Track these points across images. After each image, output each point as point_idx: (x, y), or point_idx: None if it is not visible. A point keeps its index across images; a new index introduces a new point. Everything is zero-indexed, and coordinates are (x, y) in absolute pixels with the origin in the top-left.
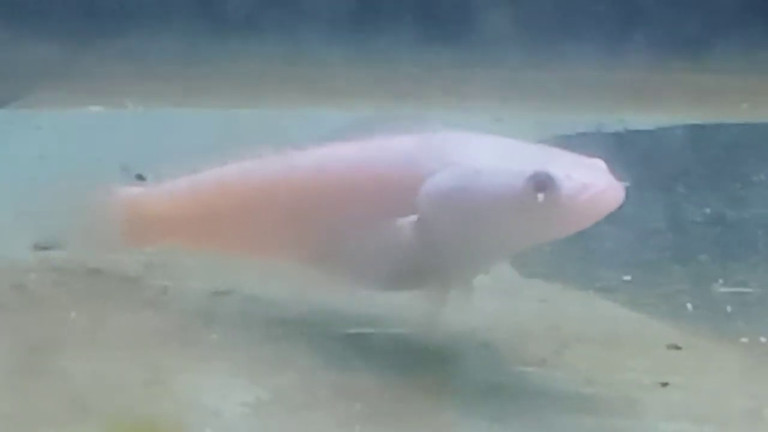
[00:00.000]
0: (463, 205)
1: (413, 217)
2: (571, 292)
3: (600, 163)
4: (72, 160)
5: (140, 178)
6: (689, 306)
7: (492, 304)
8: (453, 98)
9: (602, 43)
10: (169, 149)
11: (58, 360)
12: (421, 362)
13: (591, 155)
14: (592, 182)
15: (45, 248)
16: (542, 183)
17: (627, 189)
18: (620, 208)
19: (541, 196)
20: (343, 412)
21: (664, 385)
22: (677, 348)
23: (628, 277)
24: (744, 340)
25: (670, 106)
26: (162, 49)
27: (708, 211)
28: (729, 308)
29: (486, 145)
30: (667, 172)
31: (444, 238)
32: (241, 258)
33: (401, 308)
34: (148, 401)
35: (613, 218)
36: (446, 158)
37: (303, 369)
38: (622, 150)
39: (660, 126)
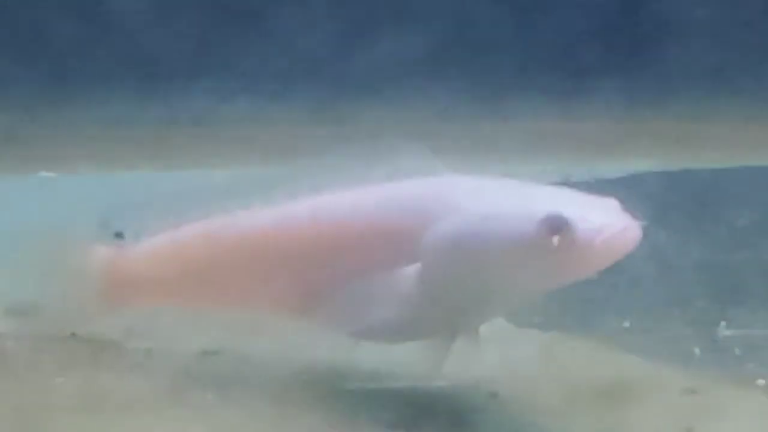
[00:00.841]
0: (471, 252)
1: (416, 266)
2: (571, 341)
3: (613, 203)
4: (30, 224)
5: (119, 236)
6: (696, 350)
7: (491, 354)
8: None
9: (562, 93)
10: (141, 209)
11: (53, 427)
12: (430, 416)
13: (603, 195)
14: (608, 223)
15: (19, 314)
16: (556, 226)
17: (643, 228)
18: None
19: (555, 240)
20: None
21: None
22: (693, 392)
23: (627, 324)
24: (761, 381)
25: (635, 154)
26: (105, 114)
27: (695, 256)
28: (737, 351)
29: (491, 189)
30: (646, 220)
31: (450, 287)
32: (229, 314)
33: (403, 361)
34: None
35: None
36: (450, 203)
37: (308, 428)
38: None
39: (629, 173)
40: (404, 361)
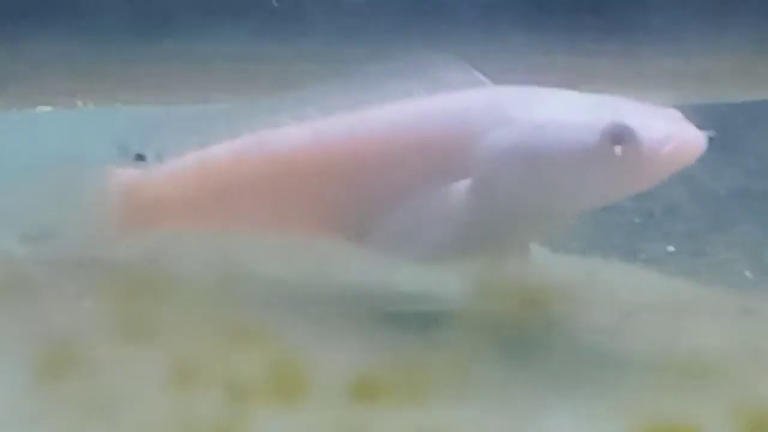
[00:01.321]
0: (527, 164)
1: (467, 181)
2: (615, 265)
3: (676, 113)
4: (41, 157)
5: (140, 158)
6: (748, 273)
7: (534, 278)
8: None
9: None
10: (159, 126)
11: (91, 352)
12: (481, 336)
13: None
14: (673, 132)
15: (35, 239)
16: (620, 135)
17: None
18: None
19: (618, 150)
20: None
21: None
22: (752, 313)
23: (671, 248)
24: None
25: (648, 89)
26: (98, 49)
27: (729, 183)
28: None
29: (544, 98)
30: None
31: (505, 203)
32: (259, 236)
33: (446, 282)
34: None
35: None
36: (500, 115)
37: (348, 354)
38: None
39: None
40: (448, 282)
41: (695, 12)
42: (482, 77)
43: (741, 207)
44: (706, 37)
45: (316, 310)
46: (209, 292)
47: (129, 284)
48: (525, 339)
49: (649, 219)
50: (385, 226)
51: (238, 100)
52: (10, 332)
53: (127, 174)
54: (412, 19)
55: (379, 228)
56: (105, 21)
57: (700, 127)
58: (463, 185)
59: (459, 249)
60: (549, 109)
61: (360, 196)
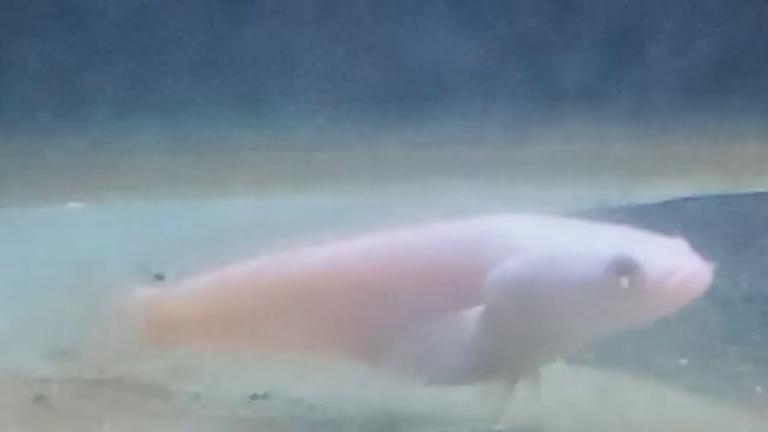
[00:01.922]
0: (536, 294)
1: (479, 308)
2: (627, 380)
3: (681, 243)
4: (66, 261)
5: (159, 278)
6: (758, 389)
7: (547, 396)
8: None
9: (592, 114)
10: (178, 245)
11: None
12: None
13: (670, 234)
14: (678, 265)
15: (61, 356)
16: (625, 268)
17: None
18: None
19: (624, 282)
20: None
21: None
22: None
23: (684, 361)
24: None
25: (669, 178)
26: (131, 141)
27: (745, 287)
28: None
29: (554, 228)
30: (691, 247)
31: (515, 329)
32: (275, 357)
33: (461, 404)
34: None
35: None
36: (512, 243)
37: None
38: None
39: (667, 198)
40: (462, 405)
41: (712, 92)
42: (494, 202)
43: (756, 312)
44: (726, 121)
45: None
46: (225, 414)
47: (147, 406)
48: None
49: (664, 326)
50: (399, 350)
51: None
52: None
53: (147, 293)
54: None
55: (393, 352)
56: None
57: (704, 256)
58: (474, 312)
59: (470, 373)
60: (557, 239)
61: (374, 320)
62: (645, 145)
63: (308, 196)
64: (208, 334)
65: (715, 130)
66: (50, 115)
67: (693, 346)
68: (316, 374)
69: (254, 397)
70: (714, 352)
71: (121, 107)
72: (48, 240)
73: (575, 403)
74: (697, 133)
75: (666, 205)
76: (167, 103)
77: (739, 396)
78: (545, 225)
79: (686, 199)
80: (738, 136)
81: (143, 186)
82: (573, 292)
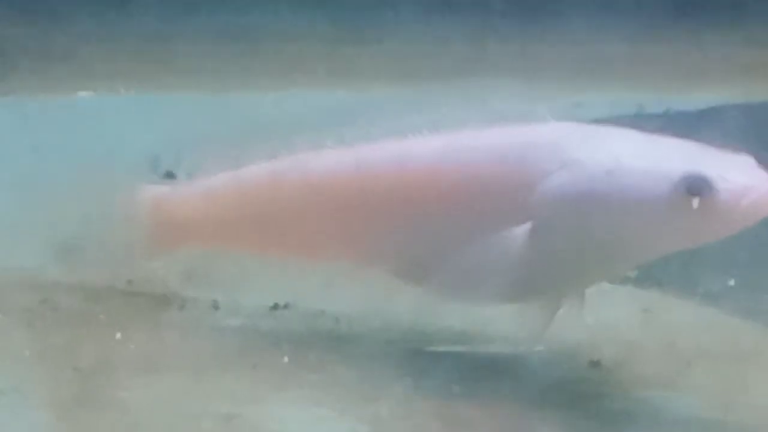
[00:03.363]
0: (594, 212)
1: (527, 226)
2: (672, 299)
3: (749, 160)
4: (74, 154)
5: (170, 175)
6: None
7: (589, 315)
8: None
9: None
10: (192, 140)
11: (114, 388)
12: (528, 386)
13: (740, 150)
14: (750, 184)
15: (68, 256)
16: (696, 186)
17: None
18: None
19: (695, 202)
20: None
21: None
22: None
23: (731, 282)
24: None
25: (712, 83)
26: (147, 30)
27: None
28: None
29: (611, 140)
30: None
31: (566, 250)
32: (297, 264)
33: (496, 322)
34: None
35: None
36: (564, 155)
37: (397, 396)
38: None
39: (708, 106)
40: (500, 322)
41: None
42: (544, 110)
43: None
44: None
45: (358, 349)
46: (244, 324)
47: (162, 312)
48: (577, 391)
49: (709, 245)
50: (442, 269)
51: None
52: (43, 362)
53: (157, 190)
54: None
55: (435, 271)
56: None
57: None
58: (522, 230)
59: (515, 294)
60: (617, 152)
61: (407, 233)
62: (685, 48)
63: (335, 93)
64: (221, 237)
65: (761, 34)
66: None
67: (741, 266)
68: (341, 285)
69: (275, 307)
70: (763, 273)
71: None
72: (56, 131)
73: (618, 325)
74: (742, 36)
75: (707, 112)
76: None
77: None
78: (601, 136)
79: (728, 107)
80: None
81: (158, 75)
82: (636, 211)
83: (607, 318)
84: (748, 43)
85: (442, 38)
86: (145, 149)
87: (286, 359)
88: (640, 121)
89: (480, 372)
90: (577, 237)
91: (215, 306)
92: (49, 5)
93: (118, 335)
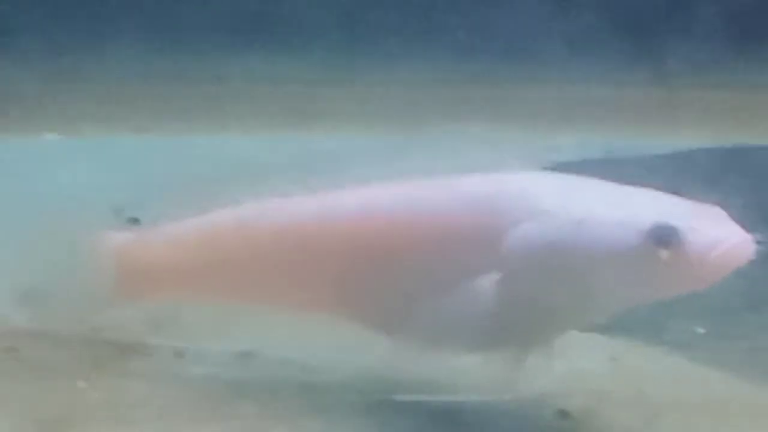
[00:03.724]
0: (563, 263)
1: (496, 276)
2: (640, 348)
3: (719, 211)
4: (38, 199)
5: (134, 221)
6: None
7: (557, 364)
8: (441, 121)
9: (603, 58)
10: (158, 184)
11: None
12: None
13: (706, 201)
14: (722, 236)
15: (33, 304)
16: (665, 238)
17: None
18: None
19: (665, 253)
20: None
21: None
22: None
23: (701, 330)
24: None
25: (683, 127)
26: (115, 70)
27: (765, 249)
28: None
29: (580, 189)
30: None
31: (535, 300)
32: (265, 312)
33: (466, 372)
34: None
35: None
36: (533, 205)
37: None
38: (640, 179)
39: (677, 150)
40: (469, 372)
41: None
42: (513, 159)
43: None
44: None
45: (327, 399)
46: (211, 373)
47: (127, 361)
48: None
49: None
50: (410, 319)
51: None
52: (4, 413)
53: (121, 237)
54: None
55: (403, 320)
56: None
57: (746, 227)
58: (491, 280)
59: (483, 343)
60: (586, 202)
61: (376, 282)
62: (656, 92)
63: (305, 137)
64: (187, 285)
65: (730, 79)
66: (25, 38)
67: (711, 314)
68: (309, 334)
69: (242, 355)
70: (733, 321)
71: (103, 29)
72: (19, 174)
73: (586, 373)
74: (712, 80)
75: (676, 156)
76: (156, 26)
77: (761, 371)
78: (572, 185)
79: (697, 150)
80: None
81: (125, 117)
82: (605, 262)
83: (575, 367)
84: (720, 87)
85: (410, 81)
86: (110, 194)
87: (253, 409)
88: (608, 164)
89: (449, 422)
90: (545, 287)
91: (181, 354)
92: (15, 44)
93: (82, 384)
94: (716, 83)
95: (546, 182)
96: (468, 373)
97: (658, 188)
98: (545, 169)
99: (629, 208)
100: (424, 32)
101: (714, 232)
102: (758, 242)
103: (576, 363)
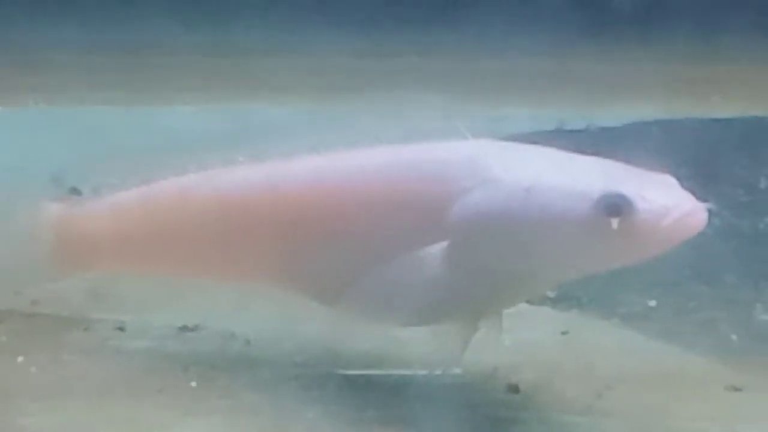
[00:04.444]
0: (511, 231)
1: (443, 244)
2: (591, 321)
3: (671, 180)
4: None
5: (75, 191)
6: (734, 337)
7: (507, 337)
8: (390, 91)
9: (555, 31)
10: (100, 155)
11: (14, 415)
12: (445, 411)
13: (658, 169)
14: (673, 204)
15: None
16: (615, 206)
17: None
18: None
19: (614, 222)
20: None
21: None
22: (737, 389)
23: (653, 303)
24: None
25: (634, 100)
26: (60, 39)
27: (717, 222)
28: None
29: (530, 157)
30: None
31: (483, 269)
32: (207, 285)
33: (412, 344)
34: None
35: None
36: (482, 172)
37: (308, 422)
38: (590, 151)
39: (628, 122)
40: (416, 345)
41: (685, 15)
42: (461, 127)
43: (729, 250)
44: (696, 43)
45: (269, 372)
46: (152, 347)
47: (66, 334)
48: (494, 416)
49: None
50: (355, 290)
51: (204, 103)
52: None
53: (59, 208)
54: None
55: (348, 291)
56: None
57: (696, 195)
58: (437, 248)
59: (431, 315)
60: (535, 170)
61: (321, 252)
62: (608, 64)
63: (248, 107)
64: (129, 256)
65: (683, 51)
66: None
67: (662, 287)
68: (251, 306)
69: (184, 329)
70: (685, 294)
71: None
72: None
73: (536, 347)
74: (665, 52)
75: (628, 127)
76: None
77: (713, 343)
78: (521, 153)
79: (649, 123)
80: (708, 58)
81: (69, 88)
82: (554, 231)
83: (525, 340)
84: (669, 59)
85: (357, 51)
86: (50, 164)
87: (194, 384)
88: (560, 136)
89: (394, 396)
90: (494, 256)
91: (121, 327)
92: None
93: (20, 359)
94: (671, 56)
95: (494, 149)
96: (414, 346)
97: (609, 158)
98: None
99: (579, 176)
100: (373, 3)
101: (665, 200)
102: (709, 211)
103: (526, 336)
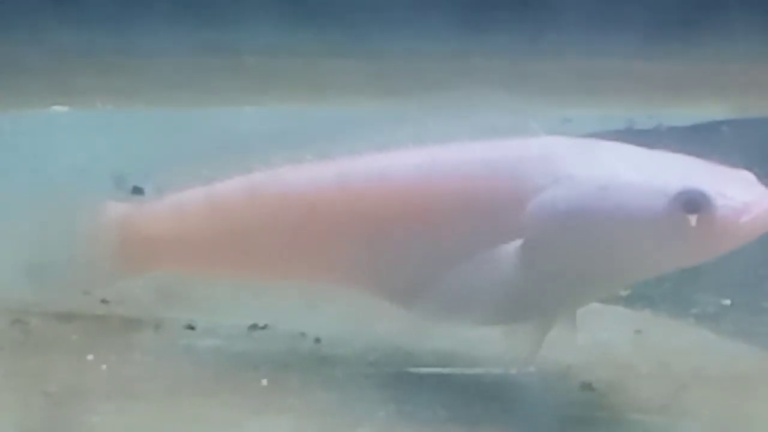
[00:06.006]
0: (587, 229)
1: (518, 243)
2: (665, 320)
3: (748, 176)
4: (44, 171)
5: (137, 191)
6: None
7: (580, 336)
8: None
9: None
10: (165, 155)
11: (85, 414)
12: (518, 410)
13: (735, 165)
14: (751, 200)
15: (38, 277)
16: (693, 202)
17: None
18: None
19: (693, 219)
20: None
21: None
22: None
23: (727, 302)
24: None
25: (703, 99)
26: (127, 43)
27: None
28: None
29: (605, 154)
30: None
31: (558, 268)
32: (276, 284)
33: (486, 344)
34: None
35: None
36: (556, 170)
37: (379, 421)
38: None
39: (698, 122)
40: (489, 344)
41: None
42: (534, 124)
43: None
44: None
45: (340, 371)
46: (221, 346)
47: (136, 334)
48: (568, 415)
49: (706, 263)
50: (429, 289)
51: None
52: (12, 386)
53: (123, 207)
54: None
55: (422, 291)
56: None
57: None
58: (512, 247)
59: (505, 314)
60: (611, 167)
61: (392, 252)
62: (677, 64)
63: (317, 106)
64: (195, 256)
65: (750, 51)
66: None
67: (737, 285)
68: (322, 305)
69: (253, 327)
70: (760, 293)
71: (117, 3)
72: (27, 146)
73: (610, 347)
74: (735, 51)
75: (698, 127)
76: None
77: None
78: (596, 150)
79: (719, 122)
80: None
81: (135, 90)
82: (631, 228)
83: (598, 339)
84: (741, 59)
85: (429, 51)
86: (115, 165)
87: (264, 382)
88: (630, 136)
89: (467, 395)
90: (569, 255)
91: (191, 326)
92: (26, 18)
93: (90, 357)
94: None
95: (569, 146)
96: (488, 345)
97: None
98: None
99: (655, 173)
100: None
101: (743, 196)
102: None
103: (600, 335)
